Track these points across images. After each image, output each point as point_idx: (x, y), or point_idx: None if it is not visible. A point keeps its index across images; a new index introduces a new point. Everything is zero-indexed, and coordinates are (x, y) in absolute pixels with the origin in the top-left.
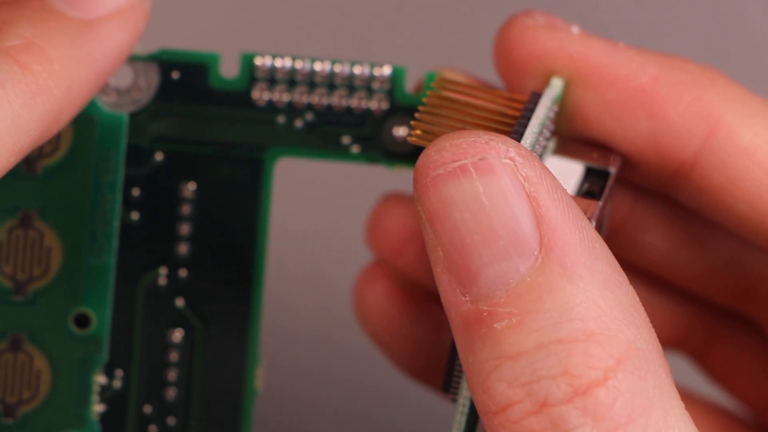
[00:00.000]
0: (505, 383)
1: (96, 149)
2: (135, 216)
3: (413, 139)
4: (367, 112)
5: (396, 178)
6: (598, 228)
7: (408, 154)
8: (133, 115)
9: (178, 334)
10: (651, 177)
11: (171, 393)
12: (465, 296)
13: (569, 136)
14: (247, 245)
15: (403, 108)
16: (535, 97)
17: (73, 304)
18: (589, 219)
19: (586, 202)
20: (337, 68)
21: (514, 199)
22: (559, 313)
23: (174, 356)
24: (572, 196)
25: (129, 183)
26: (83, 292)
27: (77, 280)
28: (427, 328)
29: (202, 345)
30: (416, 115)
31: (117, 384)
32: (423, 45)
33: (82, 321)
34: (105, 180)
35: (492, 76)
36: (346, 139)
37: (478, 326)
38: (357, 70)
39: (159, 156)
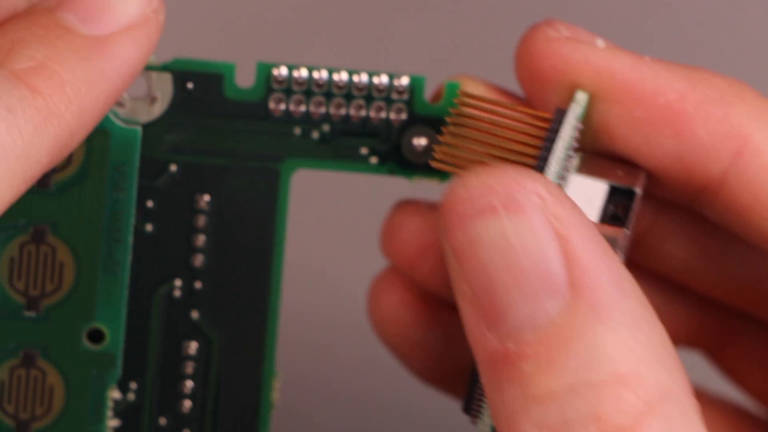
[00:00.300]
0: (532, 425)
1: (110, 164)
2: (149, 227)
3: (436, 164)
4: (386, 123)
5: (411, 186)
6: (625, 254)
7: (427, 166)
8: (147, 126)
9: (193, 346)
10: (676, 192)
11: (186, 405)
12: (492, 333)
13: (594, 151)
14: (264, 256)
15: (422, 118)
16: (560, 115)
17: (87, 320)
18: (616, 249)
19: (612, 229)
20: (355, 78)
21: (543, 239)
22: (589, 356)
23: (189, 368)
24: (598, 224)
25: (143, 194)
26: (97, 307)
27: (91, 296)
28: (444, 336)
29: (217, 357)
30: (439, 137)
31: (131, 397)
32: (442, 53)
33: (96, 336)
34: (119, 195)
35: (512, 84)
36: (363, 150)
37: (506, 366)
38: (375, 79)
39: (173, 167)
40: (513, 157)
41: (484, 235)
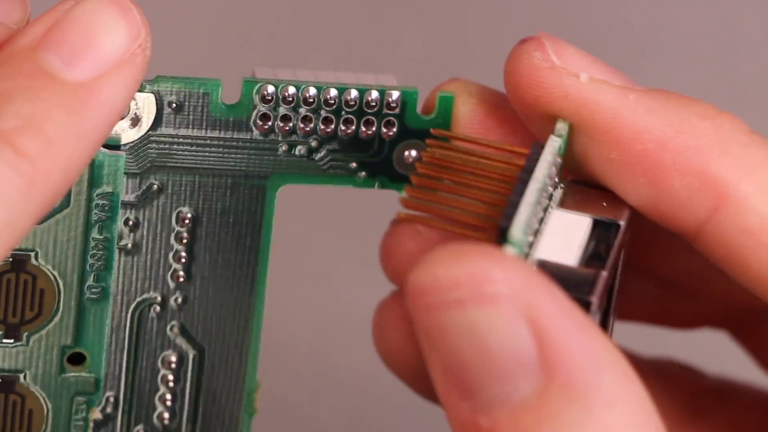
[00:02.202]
0: None
1: (92, 190)
2: (130, 244)
3: (403, 215)
4: (376, 137)
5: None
6: (607, 292)
7: None
8: (131, 145)
9: (172, 358)
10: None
11: (165, 416)
12: (464, 403)
13: (580, 177)
14: (248, 270)
15: (414, 132)
16: (536, 152)
17: (68, 345)
18: (593, 298)
19: (591, 273)
20: (345, 94)
21: (514, 326)
22: None
23: (168, 380)
24: (578, 267)
25: (124, 211)
26: (78, 332)
27: (72, 321)
28: None
29: (197, 370)
30: (407, 189)
31: (108, 410)
32: (434, 60)
33: (77, 358)
34: (103, 221)
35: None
36: (353, 164)
37: None
38: (366, 95)
39: (156, 185)
40: (484, 202)
41: (452, 325)
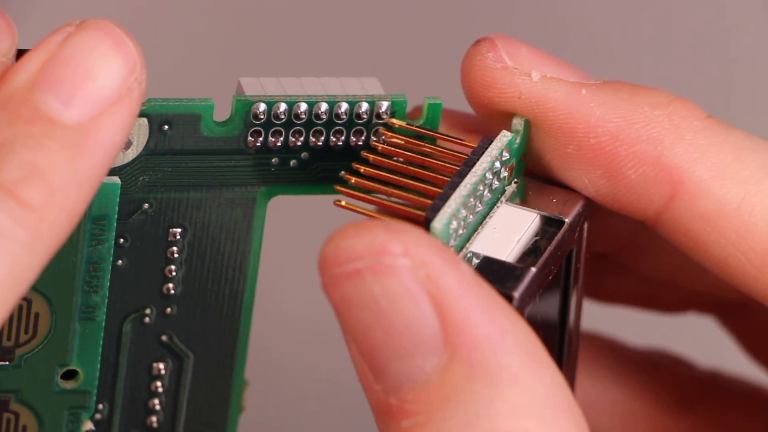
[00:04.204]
0: None
1: (88, 217)
2: (120, 262)
3: (343, 203)
4: (366, 145)
5: None
6: (534, 291)
7: None
8: (122, 168)
9: (161, 366)
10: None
11: (153, 420)
12: (377, 384)
13: (540, 173)
14: (236, 280)
15: None
16: (483, 146)
17: (61, 364)
18: (515, 293)
19: (519, 267)
20: (335, 108)
21: (413, 299)
22: (468, 415)
23: (158, 386)
24: (514, 263)
25: (116, 230)
26: (72, 351)
27: (66, 341)
28: None
29: (187, 375)
30: (348, 177)
31: (98, 417)
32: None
33: (70, 373)
34: (97, 246)
35: None
36: (342, 174)
37: (391, 419)
38: (356, 108)
39: (147, 205)
40: (427, 194)
41: (355, 296)
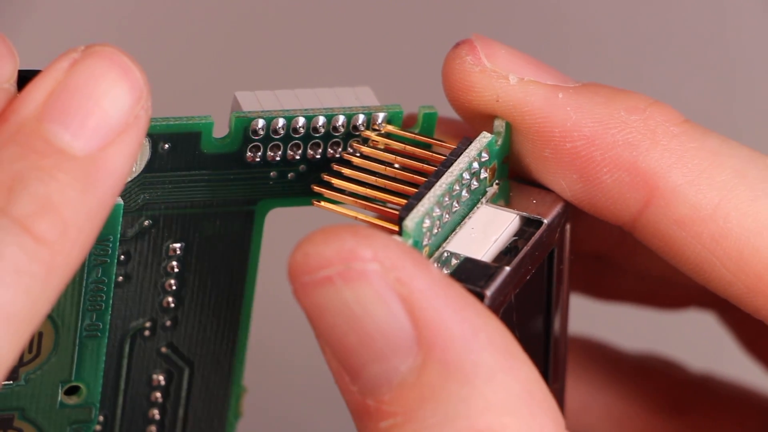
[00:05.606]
0: None
1: None
2: (121, 276)
3: (318, 203)
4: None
5: None
6: (509, 290)
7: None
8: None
9: (161, 378)
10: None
11: (153, 429)
12: (354, 386)
13: (521, 174)
14: (235, 293)
15: None
16: (462, 147)
17: (65, 380)
18: (487, 291)
19: (492, 266)
20: (333, 121)
21: (385, 303)
22: (446, 413)
23: (158, 396)
24: (488, 263)
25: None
26: (75, 368)
27: (69, 359)
28: None
29: (186, 385)
30: (327, 178)
31: (97, 428)
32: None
33: (72, 390)
34: (100, 266)
35: None
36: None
37: (367, 419)
38: (353, 120)
39: (146, 222)
40: (407, 195)
41: (327, 303)
